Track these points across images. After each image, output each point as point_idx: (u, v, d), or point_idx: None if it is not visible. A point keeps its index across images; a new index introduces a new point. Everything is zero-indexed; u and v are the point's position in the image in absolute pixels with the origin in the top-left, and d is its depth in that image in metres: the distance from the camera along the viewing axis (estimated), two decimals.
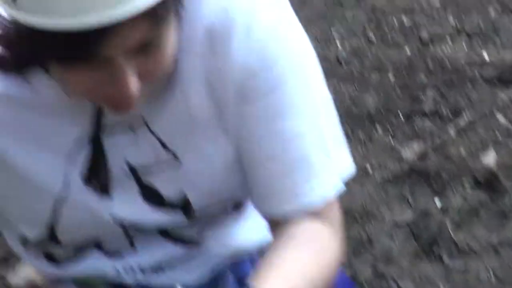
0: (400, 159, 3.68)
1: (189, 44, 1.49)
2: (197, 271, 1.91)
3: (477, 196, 3.50)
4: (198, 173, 1.67)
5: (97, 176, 1.66)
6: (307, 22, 4.24)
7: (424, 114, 3.92)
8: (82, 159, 1.61)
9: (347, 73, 4.15)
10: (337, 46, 4.09)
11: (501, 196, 3.50)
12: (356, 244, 3.48)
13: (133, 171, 1.64)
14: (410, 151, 3.71)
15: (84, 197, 1.66)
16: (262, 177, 1.64)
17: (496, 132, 3.76)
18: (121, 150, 1.61)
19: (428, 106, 3.91)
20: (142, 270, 1.88)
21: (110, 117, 1.52)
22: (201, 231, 1.83)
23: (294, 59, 1.57)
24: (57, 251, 1.82)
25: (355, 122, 4.03)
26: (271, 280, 1.53)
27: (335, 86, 4.06)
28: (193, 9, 1.47)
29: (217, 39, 1.49)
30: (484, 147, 3.71)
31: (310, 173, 1.59)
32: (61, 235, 1.71)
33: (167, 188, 1.66)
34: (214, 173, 1.67)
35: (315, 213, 1.60)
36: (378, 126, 3.97)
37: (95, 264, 1.85)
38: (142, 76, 1.34)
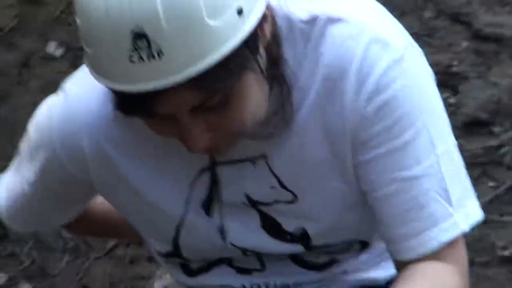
0: None
1: (306, 92, 1.55)
2: None
3: None
4: (317, 211, 1.72)
5: (212, 203, 1.74)
6: None
7: None
8: (201, 187, 1.70)
9: None
10: None
11: None
12: None
13: (252, 202, 1.71)
14: None
15: (199, 221, 1.75)
16: (382, 223, 1.67)
17: None
18: (240, 181, 1.67)
19: None
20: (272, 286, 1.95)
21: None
22: (329, 261, 1.87)
23: (414, 104, 1.57)
24: (193, 263, 1.92)
25: None
26: None
27: None
28: (312, 59, 1.53)
29: (332, 87, 1.53)
30: None
31: (432, 222, 1.60)
32: (185, 252, 1.80)
33: (287, 221, 1.73)
34: (333, 212, 1.71)
35: (438, 257, 1.61)
36: None
37: (224, 278, 1.90)
38: (216, 130, 1.42)
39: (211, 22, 1.33)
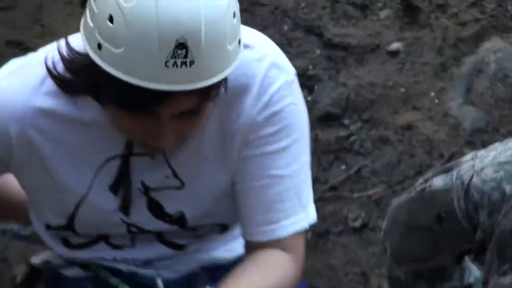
0: None
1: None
2: (178, 270, 2.25)
3: None
4: (197, 197, 2.04)
5: (120, 187, 2.01)
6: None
7: None
8: (110, 172, 1.96)
9: None
10: None
11: None
12: None
13: (146, 188, 1.99)
14: None
15: (102, 201, 2.01)
16: (247, 211, 2.03)
17: None
18: (141, 170, 1.96)
19: None
20: (135, 262, 2.23)
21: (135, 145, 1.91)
22: (191, 241, 2.20)
23: (293, 119, 1.94)
24: (73, 238, 2.16)
25: None
26: (242, 279, 1.97)
27: None
28: None
29: (234, 97, 1.86)
30: None
31: (285, 213, 1.99)
32: (77, 226, 2.06)
33: (170, 205, 2.03)
34: (212, 199, 2.04)
35: (283, 244, 2.00)
36: None
37: (100, 252, 2.19)
38: (177, 135, 1.73)
39: (229, 47, 1.65)
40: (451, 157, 4.26)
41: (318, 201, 3.90)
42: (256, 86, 1.93)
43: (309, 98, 4.44)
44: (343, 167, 4.29)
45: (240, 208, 2.11)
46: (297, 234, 2.07)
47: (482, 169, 2.35)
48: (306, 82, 4.50)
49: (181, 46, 1.63)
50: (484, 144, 4.10)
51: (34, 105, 1.94)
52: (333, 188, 4.25)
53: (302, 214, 2.06)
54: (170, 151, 1.98)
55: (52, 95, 1.95)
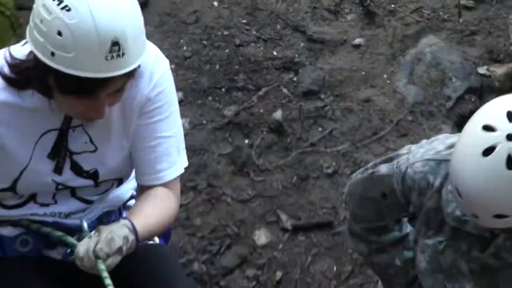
0: (223, 115, 5.09)
1: None
2: (91, 215, 2.81)
3: (271, 138, 5.07)
4: (107, 158, 2.60)
5: (58, 154, 2.54)
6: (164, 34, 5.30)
7: (238, 89, 5.32)
8: (47, 143, 2.48)
9: (190, 64, 5.46)
10: (184, 49, 5.44)
11: (286, 138, 5.12)
12: (196, 167, 4.90)
13: (70, 152, 2.54)
14: (230, 111, 5.09)
15: (40, 166, 2.53)
16: (143, 163, 2.63)
17: (282, 99, 5.31)
18: (68, 140, 2.51)
19: (240, 83, 5.30)
20: (59, 215, 2.76)
21: (73, 121, 2.44)
22: (96, 197, 2.76)
23: (171, 95, 2.59)
24: (9, 200, 2.66)
25: (195, 94, 5.34)
26: (137, 215, 2.52)
27: (183, 73, 5.37)
28: None
29: (132, 82, 2.39)
30: (274, 108, 5.23)
31: (174, 162, 2.63)
32: (18, 188, 2.57)
33: (87, 165, 2.59)
34: (116, 159, 2.62)
35: (168, 185, 2.63)
36: (209, 97, 5.32)
37: (32, 209, 2.71)
38: (109, 106, 2.26)
39: (143, 38, 2.26)
40: (398, 122, 5.23)
41: (301, 154, 5.08)
42: (148, 72, 2.54)
43: (295, 79, 5.41)
44: (320, 129, 5.20)
45: (137, 163, 2.74)
46: (177, 177, 2.77)
47: (413, 163, 2.88)
48: (293, 67, 5.50)
49: (115, 44, 2.17)
50: (422, 114, 5.18)
51: None
52: (312, 145, 5.13)
53: (180, 163, 2.77)
54: (87, 124, 2.57)
55: (2, 90, 2.44)
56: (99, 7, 2.20)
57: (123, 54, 2.23)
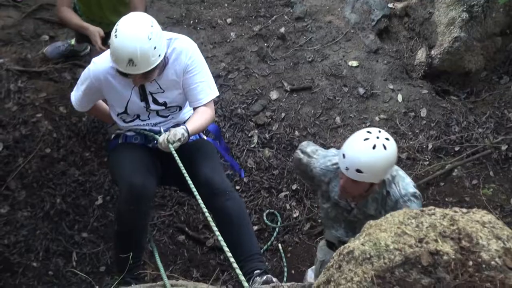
0: (253, 30, 7.29)
1: (168, 62, 4.32)
2: (168, 125, 4.50)
3: (278, 42, 7.29)
4: (170, 95, 4.49)
5: (143, 93, 4.48)
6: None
7: (261, 16, 7.51)
8: (137, 89, 4.45)
9: (236, 3, 7.60)
10: None
11: (286, 42, 7.37)
12: (239, 58, 7.08)
13: (150, 93, 4.49)
14: (256, 28, 7.16)
15: (136, 100, 4.50)
16: (190, 96, 4.47)
17: (284, 21, 7.40)
18: (149, 87, 4.45)
19: (262, 13, 7.44)
20: (151, 124, 4.59)
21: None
22: (169, 114, 4.58)
23: (200, 61, 4.44)
24: (126, 118, 4.58)
25: (238, 20, 7.51)
26: (189, 122, 4.41)
27: (232, 8, 7.55)
28: (170, 51, 4.31)
29: (176, 57, 4.32)
30: (280, 26, 7.32)
31: (208, 94, 4.46)
32: (128, 111, 4.55)
33: (159, 98, 4.51)
34: (175, 95, 4.52)
35: (206, 105, 4.46)
36: (246, 21, 7.47)
37: (137, 123, 4.61)
38: (144, 79, 4.25)
39: (152, 59, 4.04)
40: (346, 33, 7.51)
41: (295, 51, 7.06)
42: (184, 52, 4.20)
43: (291, 10, 7.61)
44: (304, 37, 7.38)
45: (187, 96, 4.36)
46: (210, 101, 4.40)
47: (316, 167, 4.41)
48: (290, 4, 7.57)
49: (130, 60, 3.94)
50: (359, 29, 7.34)
51: (108, 67, 4.19)
52: (300, 46, 7.34)
53: (211, 94, 4.39)
54: (157, 78, 4.21)
55: (112, 67, 4.15)
56: (124, 39, 3.86)
57: (135, 65, 3.94)
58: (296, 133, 6.95)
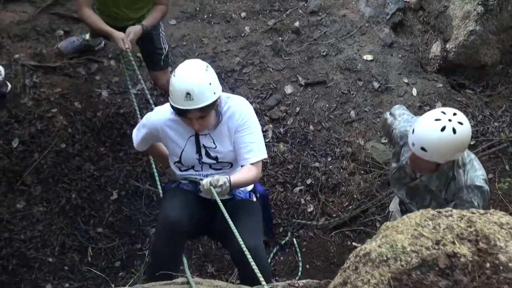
0: (267, 24, 7.29)
1: (223, 117, 4.37)
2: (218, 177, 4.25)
3: (293, 36, 7.31)
4: (221, 151, 4.51)
5: (198, 146, 4.51)
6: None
7: (275, 10, 7.56)
8: (192, 141, 4.48)
9: None
10: None
11: (300, 36, 7.35)
12: (253, 53, 7.13)
13: (204, 147, 4.51)
14: (271, 22, 7.19)
15: (190, 151, 4.54)
16: (240, 155, 4.42)
17: (299, 15, 7.42)
18: (203, 140, 4.49)
19: (276, 7, 7.50)
20: (203, 175, 4.60)
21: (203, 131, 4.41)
22: (220, 168, 4.59)
23: (253, 122, 4.42)
24: (181, 167, 4.65)
25: (252, 13, 7.55)
26: (234, 175, 4.33)
27: (246, 2, 7.55)
28: (225, 108, 4.37)
29: (230, 115, 4.37)
30: (295, 20, 7.35)
31: (256, 154, 4.41)
32: (182, 161, 4.61)
33: (212, 153, 4.52)
34: (226, 152, 4.51)
35: (253, 164, 4.39)
36: (260, 15, 7.51)
37: (191, 172, 4.67)
38: (200, 126, 4.26)
39: (208, 94, 4.10)
40: (360, 27, 7.52)
41: (309, 45, 7.06)
42: (238, 112, 4.28)
43: (305, 4, 7.61)
44: (319, 31, 7.40)
45: (237, 154, 4.38)
46: (258, 161, 4.35)
47: (396, 128, 4.54)
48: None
49: (188, 93, 4.03)
50: (373, 22, 7.35)
51: (167, 116, 4.35)
52: (315, 40, 7.37)
53: (259, 155, 4.36)
54: (212, 132, 4.29)
55: (172, 112, 4.24)
56: (182, 75, 4.04)
57: (192, 99, 4.05)
58: (311, 127, 6.97)
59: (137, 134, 4.66)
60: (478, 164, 4.31)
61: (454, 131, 3.91)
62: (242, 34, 7.60)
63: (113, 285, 3.26)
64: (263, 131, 6.55)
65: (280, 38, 7.57)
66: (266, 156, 4.50)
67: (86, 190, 6.16)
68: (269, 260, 6.12)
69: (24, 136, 6.20)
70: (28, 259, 5.84)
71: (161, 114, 4.44)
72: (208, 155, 4.49)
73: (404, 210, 4.84)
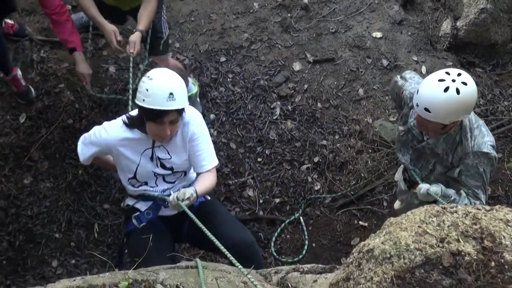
0: (276, 1, 7.30)
1: (179, 129, 4.31)
2: (175, 189, 4.48)
3: (301, 12, 7.24)
4: (177, 161, 4.50)
5: (152, 159, 4.45)
6: None
7: None
8: (148, 153, 4.40)
9: None
10: None
11: (309, 13, 7.33)
12: (262, 29, 7.10)
13: (159, 158, 4.45)
14: None
15: (145, 165, 4.46)
16: (195, 163, 4.48)
17: None
18: (158, 152, 4.43)
19: None
20: (159, 191, 4.56)
21: (156, 143, 4.36)
22: (175, 179, 4.58)
23: (204, 131, 4.45)
24: (135, 184, 4.55)
25: None
26: (197, 184, 4.36)
27: None
28: (184, 121, 4.32)
29: (183, 125, 4.33)
30: None
31: (211, 160, 4.48)
32: (137, 177, 4.50)
33: (167, 164, 4.48)
34: (181, 161, 4.51)
35: (209, 171, 4.47)
36: None
37: (145, 188, 4.59)
38: (171, 132, 4.19)
39: (185, 98, 4.09)
40: (370, 4, 7.41)
41: (318, 21, 6.97)
42: (192, 121, 4.29)
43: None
44: (328, 8, 7.36)
45: (192, 163, 4.44)
46: (214, 168, 4.45)
47: (406, 90, 4.54)
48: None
49: (171, 94, 3.96)
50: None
51: (119, 138, 4.23)
52: (324, 17, 7.30)
53: (214, 161, 4.44)
54: (165, 144, 4.25)
55: (124, 129, 4.23)
56: (161, 77, 3.98)
57: (174, 99, 4.01)
58: (319, 105, 6.97)
59: (84, 150, 4.55)
60: (486, 130, 4.31)
61: (457, 91, 3.89)
62: (251, 10, 7.55)
63: (116, 269, 3.20)
64: (271, 108, 6.81)
65: (289, 15, 7.54)
66: (217, 162, 4.57)
67: (93, 166, 6.07)
68: (274, 239, 6.15)
69: (31, 111, 6.16)
70: (35, 235, 5.86)
71: (113, 132, 4.37)
72: (163, 166, 4.48)
73: (407, 178, 4.89)
